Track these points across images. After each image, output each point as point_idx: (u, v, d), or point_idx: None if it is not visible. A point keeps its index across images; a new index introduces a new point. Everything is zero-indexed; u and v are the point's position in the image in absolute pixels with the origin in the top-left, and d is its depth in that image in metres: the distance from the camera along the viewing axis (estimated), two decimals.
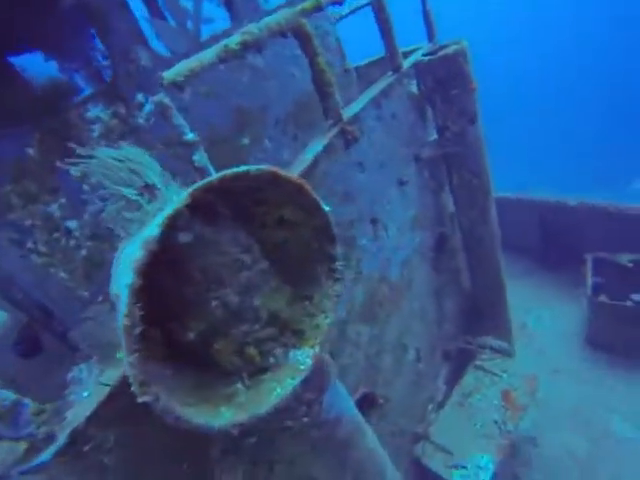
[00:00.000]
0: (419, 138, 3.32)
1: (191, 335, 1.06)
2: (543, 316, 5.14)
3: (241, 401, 1.05)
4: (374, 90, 2.75)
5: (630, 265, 4.32)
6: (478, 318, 4.42)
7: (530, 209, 5.49)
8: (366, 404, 2.98)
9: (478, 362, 3.98)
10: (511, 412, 3.45)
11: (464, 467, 3.20)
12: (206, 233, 1.07)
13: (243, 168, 1.01)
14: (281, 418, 1.36)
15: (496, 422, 3.41)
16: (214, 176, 0.98)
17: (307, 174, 2.08)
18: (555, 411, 4.13)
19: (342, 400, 1.63)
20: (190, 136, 1.57)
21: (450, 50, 2.98)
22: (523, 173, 19.79)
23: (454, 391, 3.82)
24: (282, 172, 1.07)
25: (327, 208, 1.17)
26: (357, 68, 4.13)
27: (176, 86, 1.53)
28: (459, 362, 4.14)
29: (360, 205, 2.67)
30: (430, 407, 3.80)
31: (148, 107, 2.38)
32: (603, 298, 4.61)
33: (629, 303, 4.07)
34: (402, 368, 3.30)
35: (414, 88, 3.22)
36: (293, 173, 1.15)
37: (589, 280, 4.35)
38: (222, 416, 0.96)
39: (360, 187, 2.65)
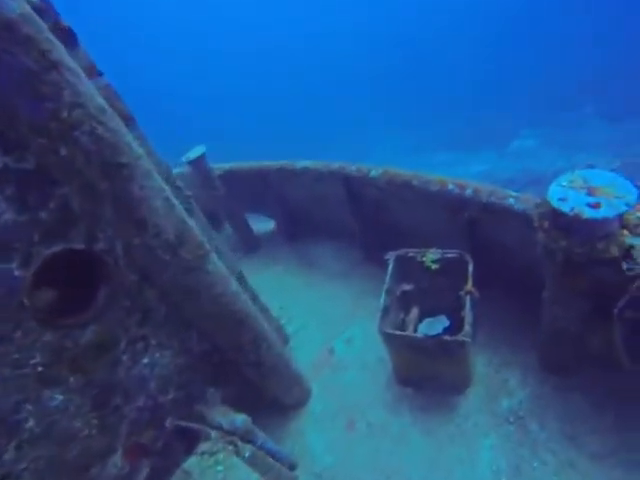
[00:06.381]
0: None
1: None
2: (355, 337, 3.81)
3: None
4: None
5: (435, 267, 3.05)
6: (226, 370, 2.93)
7: (338, 183, 4.01)
8: None
9: (205, 445, 2.45)
10: None
11: None
12: None
13: None
14: None
15: None
16: None
17: None
18: None
19: None
20: None
21: None
22: (416, 135, 19.18)
23: None
24: None
25: None
26: None
27: None
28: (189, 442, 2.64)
29: None
30: None
31: None
32: (414, 313, 3.35)
33: (419, 335, 2.79)
34: None
35: None
36: None
37: (383, 297, 2.99)
38: None
39: None
